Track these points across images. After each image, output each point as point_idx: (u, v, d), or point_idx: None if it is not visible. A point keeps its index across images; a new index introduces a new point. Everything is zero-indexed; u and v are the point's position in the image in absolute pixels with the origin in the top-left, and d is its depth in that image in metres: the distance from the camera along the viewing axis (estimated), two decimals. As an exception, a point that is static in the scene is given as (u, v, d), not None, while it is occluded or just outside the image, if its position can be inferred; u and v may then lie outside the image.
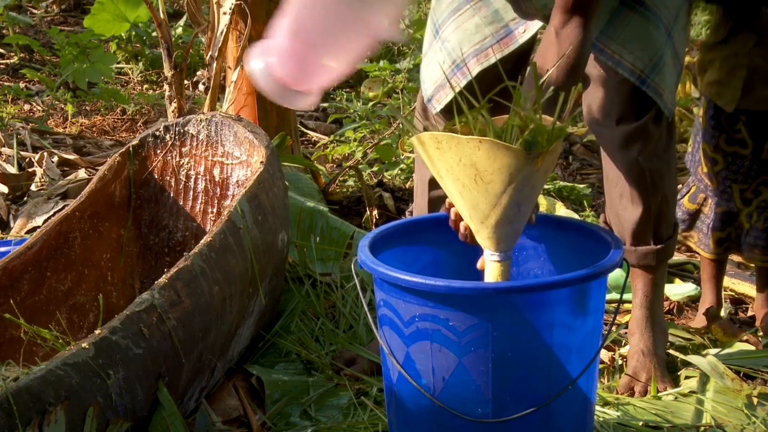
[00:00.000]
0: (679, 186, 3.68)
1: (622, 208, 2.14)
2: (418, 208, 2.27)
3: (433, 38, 2.12)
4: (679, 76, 2.06)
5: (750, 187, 2.42)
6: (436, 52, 2.10)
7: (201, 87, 5.23)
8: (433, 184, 2.19)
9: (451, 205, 1.64)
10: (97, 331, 1.59)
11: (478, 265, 1.64)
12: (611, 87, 2.01)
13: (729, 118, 2.40)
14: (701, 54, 2.52)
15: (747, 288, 2.81)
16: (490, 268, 1.59)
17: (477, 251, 1.67)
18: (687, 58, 5.16)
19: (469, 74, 1.97)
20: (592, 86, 2.06)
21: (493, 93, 1.54)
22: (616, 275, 2.54)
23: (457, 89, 1.97)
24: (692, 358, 2.18)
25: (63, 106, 4.71)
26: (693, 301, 2.74)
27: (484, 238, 1.57)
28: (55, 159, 3.57)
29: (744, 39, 2.36)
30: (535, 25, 2.00)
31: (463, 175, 1.49)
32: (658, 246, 2.16)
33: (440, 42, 2.09)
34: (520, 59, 2.08)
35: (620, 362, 2.23)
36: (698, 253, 2.56)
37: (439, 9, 2.10)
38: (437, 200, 2.21)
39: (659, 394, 2.07)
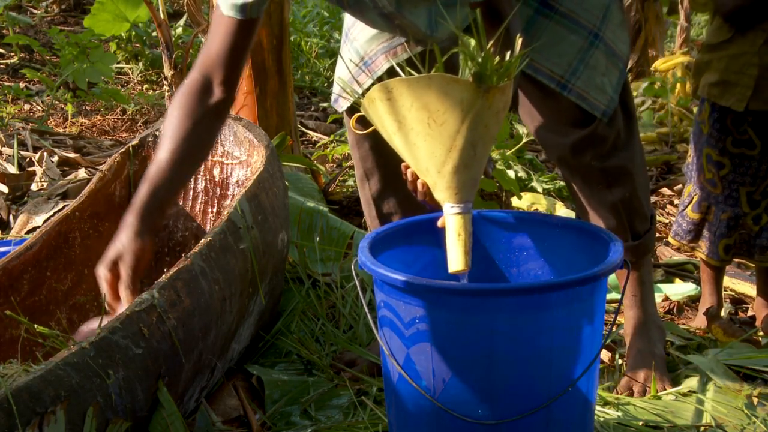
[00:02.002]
0: (678, 186, 3.65)
1: (592, 211, 2.14)
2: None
3: (343, 43, 2.15)
4: (622, 73, 2.05)
5: (758, 189, 2.41)
6: (345, 53, 2.13)
7: (201, 87, 5.23)
8: (378, 200, 2.23)
9: (407, 167, 1.63)
10: (97, 331, 1.59)
11: (439, 223, 1.60)
12: (555, 97, 2.01)
13: (735, 120, 2.39)
14: (699, 55, 2.50)
15: (747, 288, 2.81)
16: (452, 222, 1.54)
17: (478, 252, 1.66)
18: (688, 58, 5.15)
19: (376, 71, 1.99)
20: (534, 100, 2.05)
21: (441, 54, 1.54)
22: (616, 275, 2.54)
23: (365, 86, 1.99)
24: (692, 358, 2.18)
25: (63, 106, 4.72)
26: (693, 301, 2.73)
27: (442, 189, 1.54)
28: (55, 159, 3.57)
29: (752, 37, 2.34)
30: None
31: (416, 123, 1.49)
32: (636, 242, 2.16)
33: (349, 42, 2.12)
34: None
35: (620, 362, 2.23)
36: (706, 262, 2.53)
37: (348, 15, 2.12)
38: (388, 216, 2.24)
39: (659, 394, 2.07)
